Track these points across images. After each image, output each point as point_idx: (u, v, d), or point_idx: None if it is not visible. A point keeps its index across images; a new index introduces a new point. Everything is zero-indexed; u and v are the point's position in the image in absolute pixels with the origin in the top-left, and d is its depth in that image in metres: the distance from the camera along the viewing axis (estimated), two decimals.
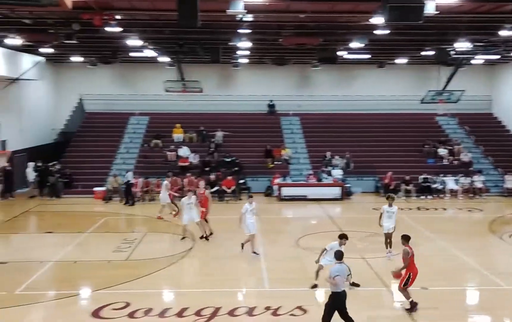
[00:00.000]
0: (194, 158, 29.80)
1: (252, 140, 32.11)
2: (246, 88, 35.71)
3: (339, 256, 10.83)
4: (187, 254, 16.89)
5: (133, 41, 23.23)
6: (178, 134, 32.18)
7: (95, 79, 34.64)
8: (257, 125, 33.80)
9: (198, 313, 11.80)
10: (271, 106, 35.51)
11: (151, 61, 31.39)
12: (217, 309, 11.98)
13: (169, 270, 15.22)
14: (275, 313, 11.83)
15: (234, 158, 29.70)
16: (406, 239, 12.41)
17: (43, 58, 30.95)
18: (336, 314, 10.52)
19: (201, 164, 29.44)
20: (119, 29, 19.93)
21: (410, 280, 11.99)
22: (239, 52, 28.85)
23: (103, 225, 21.45)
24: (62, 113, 35.46)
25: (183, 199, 18.69)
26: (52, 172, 27.86)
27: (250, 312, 11.94)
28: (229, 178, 27.25)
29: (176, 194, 23.07)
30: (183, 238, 18.26)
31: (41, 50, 27.73)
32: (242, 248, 16.72)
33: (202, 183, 20.40)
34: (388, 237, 16.29)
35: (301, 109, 35.53)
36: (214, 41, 24.72)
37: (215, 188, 26.56)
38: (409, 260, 12.00)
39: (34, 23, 20.48)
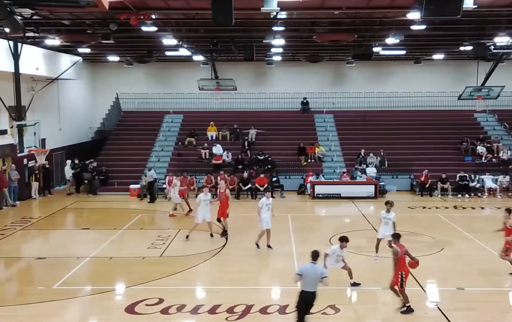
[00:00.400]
0: (227, 156, 29.93)
1: (285, 138, 32.03)
2: (280, 85, 35.70)
3: (313, 255, 10.38)
4: (220, 251, 16.97)
5: (168, 40, 23.52)
6: (211, 132, 32.39)
7: (131, 78, 35.26)
8: (291, 123, 33.70)
9: (230, 310, 11.84)
10: (305, 103, 35.34)
11: (186, 60, 31.71)
12: (249, 307, 12.00)
13: (202, 267, 15.34)
14: None
15: (267, 156, 29.68)
16: (397, 237, 12.19)
17: (80, 58, 31.64)
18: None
19: (234, 162, 29.55)
20: (154, 28, 20.23)
21: (403, 280, 11.67)
22: (273, 50, 28.86)
23: (138, 221, 21.77)
24: (99, 112, 36.28)
25: (200, 195, 18.46)
26: (89, 169, 28.47)
27: (282, 310, 11.91)
28: (262, 175, 27.26)
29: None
30: (212, 235, 18.23)
31: (79, 50, 28.35)
32: (269, 247, 16.85)
33: (222, 182, 20.12)
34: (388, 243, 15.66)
35: (335, 107, 35.25)
36: (248, 39, 24.80)
37: (248, 186, 26.65)
38: (398, 260, 11.71)
39: (72, 24, 20.98)
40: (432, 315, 11.87)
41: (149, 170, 26.83)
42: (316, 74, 35.55)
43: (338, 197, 26.36)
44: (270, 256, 16.33)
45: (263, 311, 11.85)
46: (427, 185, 27.09)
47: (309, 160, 30.03)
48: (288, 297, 12.52)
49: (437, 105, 34.49)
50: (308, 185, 27.34)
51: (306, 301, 10.20)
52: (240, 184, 26.71)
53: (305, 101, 35.31)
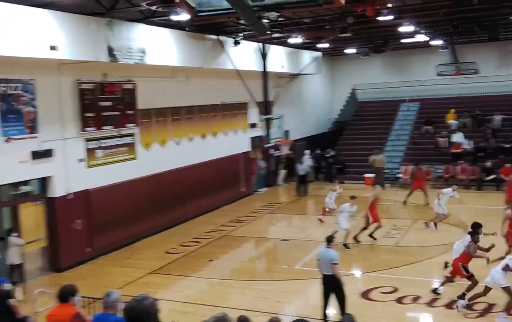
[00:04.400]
0: (468, 145, 28.11)
1: None
2: None
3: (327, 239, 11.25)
4: None
5: (405, 28, 23.13)
6: (451, 120, 30.76)
7: (366, 69, 35.60)
8: None
9: (469, 307, 11.35)
10: None
11: (423, 46, 30.70)
12: (491, 306, 11.33)
13: (439, 259, 14.80)
14: None
15: None
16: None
17: (320, 53, 33.23)
18: None
19: (474, 151, 27.64)
20: (391, 17, 20.15)
21: None
22: None
23: None
24: (337, 103, 37.63)
25: (344, 205, 16.98)
26: (326, 158, 29.93)
27: None
28: (508, 165, 24.83)
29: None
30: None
31: (319, 46, 29.83)
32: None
33: (378, 188, 18.19)
34: None
35: None
36: (492, 18, 22.92)
37: (492, 176, 24.73)
38: None
39: (312, 21, 22.26)
40: None
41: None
42: None
43: None
44: None
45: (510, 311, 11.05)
46: None
47: None
48: None
49: None
50: None
51: (325, 284, 10.83)
52: (483, 174, 24.96)
53: None
